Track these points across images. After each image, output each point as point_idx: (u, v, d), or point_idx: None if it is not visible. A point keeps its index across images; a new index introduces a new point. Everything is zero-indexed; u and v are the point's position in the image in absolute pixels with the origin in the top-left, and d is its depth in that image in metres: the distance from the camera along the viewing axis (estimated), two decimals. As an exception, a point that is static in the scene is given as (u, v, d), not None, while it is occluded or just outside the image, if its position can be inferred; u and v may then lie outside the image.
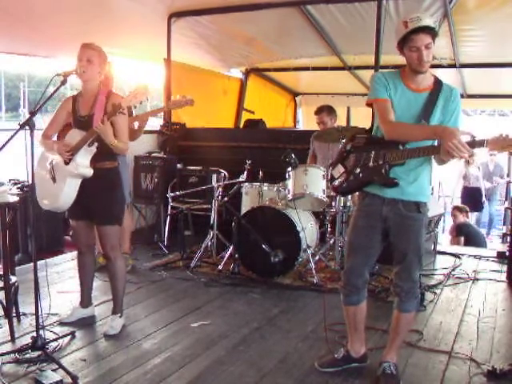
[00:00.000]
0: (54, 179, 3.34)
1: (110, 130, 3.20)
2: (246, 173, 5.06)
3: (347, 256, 2.93)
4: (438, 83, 2.71)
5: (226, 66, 8.30)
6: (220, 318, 3.74)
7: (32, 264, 2.95)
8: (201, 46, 6.99)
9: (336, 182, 2.96)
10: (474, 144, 2.49)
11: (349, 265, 2.89)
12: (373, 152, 2.76)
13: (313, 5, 5.88)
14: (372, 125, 2.89)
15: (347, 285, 2.90)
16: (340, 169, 2.94)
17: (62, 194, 3.27)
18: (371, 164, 2.76)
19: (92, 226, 3.49)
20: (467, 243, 7.03)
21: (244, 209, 4.98)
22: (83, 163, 3.26)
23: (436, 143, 2.67)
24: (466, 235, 7.34)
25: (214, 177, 5.37)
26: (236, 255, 4.64)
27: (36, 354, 2.96)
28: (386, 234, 2.81)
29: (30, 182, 2.92)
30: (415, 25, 2.56)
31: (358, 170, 2.82)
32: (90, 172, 3.28)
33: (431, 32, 2.59)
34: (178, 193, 5.52)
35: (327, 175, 4.49)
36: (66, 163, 3.28)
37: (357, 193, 3.02)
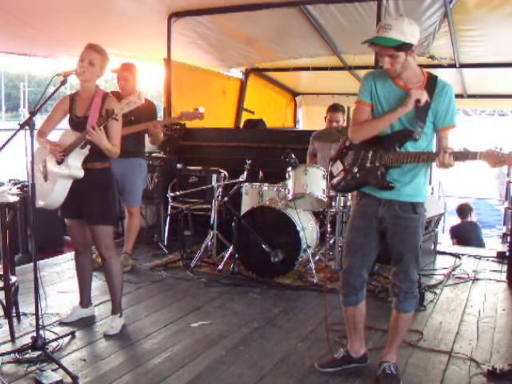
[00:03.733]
0: (45, 178, 3.33)
1: (103, 135, 3.16)
2: (245, 173, 5.06)
3: (345, 257, 2.93)
4: (431, 80, 2.66)
5: (225, 66, 8.30)
6: (220, 318, 3.74)
7: (32, 264, 2.95)
8: (201, 45, 6.99)
9: (334, 180, 2.96)
10: (466, 156, 2.48)
11: (346, 265, 2.88)
12: (371, 152, 2.75)
13: (313, 5, 5.89)
14: None
15: (345, 285, 2.90)
16: (339, 166, 2.94)
17: (52, 193, 3.27)
18: (368, 164, 2.76)
19: (86, 225, 3.49)
20: (462, 244, 7.01)
21: (244, 209, 4.98)
22: (75, 165, 3.25)
23: (434, 150, 2.67)
24: (456, 238, 7.36)
25: (214, 177, 5.36)
26: (236, 255, 4.64)
27: (36, 354, 2.96)
28: (383, 235, 2.81)
29: (30, 181, 2.92)
30: (379, 34, 2.55)
31: (356, 170, 2.82)
32: (81, 173, 3.27)
33: (395, 46, 2.52)
34: (178, 193, 5.52)
35: (327, 175, 4.49)
36: (58, 163, 3.28)
37: (355, 192, 3.01)
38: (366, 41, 2.60)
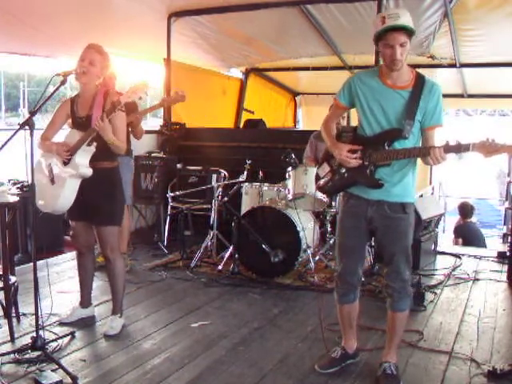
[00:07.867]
0: (52, 181, 3.31)
1: (110, 128, 3.16)
2: (245, 173, 5.06)
3: (340, 258, 2.91)
4: (419, 79, 2.65)
5: (225, 66, 8.30)
6: (220, 318, 3.73)
7: (32, 264, 2.95)
8: (201, 45, 6.99)
9: (321, 182, 2.94)
10: (459, 148, 2.48)
11: (342, 266, 2.88)
12: (358, 152, 2.74)
13: (313, 4, 5.89)
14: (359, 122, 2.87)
15: (344, 284, 2.90)
16: (326, 168, 2.92)
17: (62, 196, 3.24)
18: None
19: (91, 227, 3.48)
20: (466, 244, 7.02)
21: (244, 209, 4.98)
22: (82, 163, 3.23)
23: (420, 144, 2.68)
24: (462, 237, 7.35)
25: (214, 177, 5.36)
26: (236, 255, 4.64)
27: (36, 354, 2.96)
28: (372, 234, 2.84)
29: (30, 181, 2.91)
30: (392, 22, 2.51)
31: (343, 170, 2.81)
32: (89, 172, 3.25)
33: (407, 31, 2.54)
34: (178, 193, 5.52)
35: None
36: (65, 164, 3.26)
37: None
38: (387, 28, 2.51)
